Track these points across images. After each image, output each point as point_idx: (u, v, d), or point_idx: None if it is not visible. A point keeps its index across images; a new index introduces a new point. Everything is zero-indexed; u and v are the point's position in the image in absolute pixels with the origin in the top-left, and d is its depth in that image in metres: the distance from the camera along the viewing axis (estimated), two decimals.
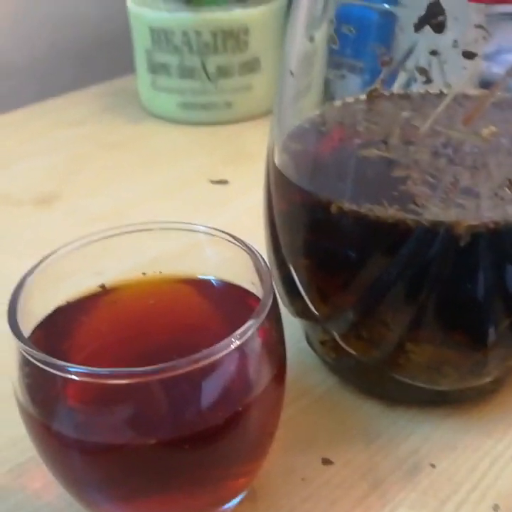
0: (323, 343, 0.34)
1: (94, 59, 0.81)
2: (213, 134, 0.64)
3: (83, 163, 0.60)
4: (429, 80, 0.30)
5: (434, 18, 0.25)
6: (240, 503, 0.29)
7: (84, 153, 0.61)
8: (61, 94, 0.73)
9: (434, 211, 0.27)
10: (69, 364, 0.23)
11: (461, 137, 0.28)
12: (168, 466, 0.24)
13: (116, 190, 0.55)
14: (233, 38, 0.61)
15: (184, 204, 0.53)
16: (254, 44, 0.62)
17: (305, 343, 0.36)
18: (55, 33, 0.78)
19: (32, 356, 0.23)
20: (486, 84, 0.29)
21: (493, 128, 0.27)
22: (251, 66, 0.63)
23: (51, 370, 0.23)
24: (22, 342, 0.24)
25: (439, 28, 0.26)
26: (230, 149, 0.61)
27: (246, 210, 0.50)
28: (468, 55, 0.27)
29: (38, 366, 0.23)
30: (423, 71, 0.30)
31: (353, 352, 0.32)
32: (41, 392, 0.25)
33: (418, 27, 0.26)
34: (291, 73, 0.30)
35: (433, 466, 0.31)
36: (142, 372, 0.22)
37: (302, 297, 0.32)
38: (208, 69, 0.62)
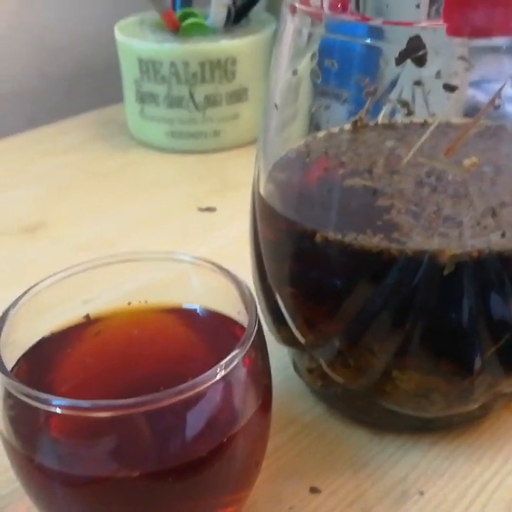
0: (310, 370, 0.34)
1: (82, 88, 0.81)
2: (201, 162, 0.64)
3: (70, 192, 0.60)
4: (410, 112, 0.30)
5: (414, 53, 0.26)
6: None
7: (72, 182, 0.61)
8: (49, 123, 0.73)
9: (417, 240, 0.27)
10: (52, 397, 0.22)
11: (443, 168, 0.28)
12: (153, 499, 0.24)
13: (103, 219, 0.55)
14: (221, 68, 0.62)
15: (172, 232, 0.53)
16: (241, 74, 0.63)
17: (292, 370, 0.36)
18: (43, 62, 0.78)
19: (15, 389, 0.23)
20: (471, 112, 0.30)
21: (474, 159, 0.27)
22: (238, 95, 0.64)
23: (34, 403, 0.23)
24: (5, 375, 0.24)
25: (420, 62, 0.26)
26: (217, 177, 0.61)
27: (234, 238, 0.51)
28: (450, 88, 0.27)
29: (21, 399, 0.23)
30: (405, 104, 0.30)
31: (340, 380, 0.32)
32: (24, 425, 0.24)
33: (399, 61, 0.26)
34: (276, 106, 0.30)
35: (421, 493, 0.31)
36: (125, 404, 0.22)
37: (288, 325, 0.32)
38: (195, 98, 0.62)
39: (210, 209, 0.55)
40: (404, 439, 0.33)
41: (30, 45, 0.76)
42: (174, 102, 0.63)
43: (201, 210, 0.55)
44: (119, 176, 0.62)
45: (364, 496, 0.30)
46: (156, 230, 0.53)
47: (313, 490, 0.31)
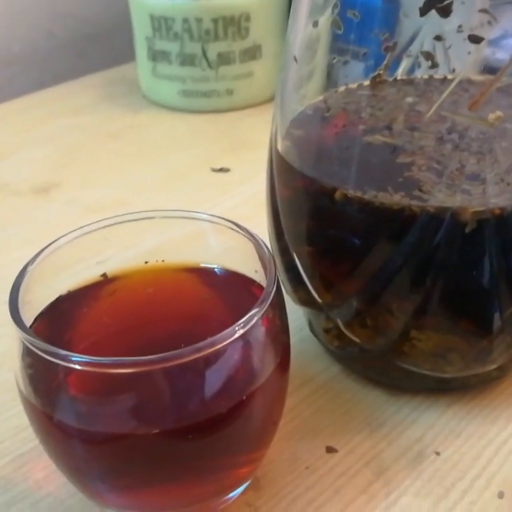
0: (326, 331, 0.34)
1: (93, 47, 0.80)
2: (214, 121, 0.63)
3: (82, 153, 0.59)
4: (434, 65, 0.30)
5: (440, 2, 0.25)
6: (244, 491, 0.29)
7: (83, 142, 0.61)
8: (60, 83, 0.72)
9: (439, 197, 0.26)
10: (71, 353, 0.22)
11: (467, 122, 0.27)
12: (172, 456, 0.24)
13: (116, 180, 0.55)
14: (234, 24, 0.61)
15: (186, 192, 0.53)
16: (255, 31, 0.62)
17: (308, 331, 0.36)
18: (53, 21, 0.77)
19: (34, 345, 0.23)
20: (490, 69, 0.29)
21: (499, 113, 0.26)
22: (252, 53, 0.63)
23: (53, 360, 0.23)
24: (24, 331, 0.23)
25: (445, 12, 0.25)
26: (231, 137, 0.61)
27: (248, 198, 0.50)
28: (475, 39, 0.26)
29: (40, 356, 0.23)
30: (429, 55, 0.29)
31: (357, 340, 0.32)
32: (43, 382, 0.24)
33: (424, 11, 0.25)
34: (295, 59, 0.30)
35: (438, 453, 0.31)
36: (145, 361, 0.22)
37: (305, 285, 0.31)
38: (208, 56, 0.62)
39: (224, 169, 0.55)
40: (421, 399, 0.33)
41: (38, 5, 0.75)
42: (187, 60, 0.62)
43: (215, 170, 0.55)
44: (131, 136, 0.62)
45: (380, 456, 0.31)
46: (169, 190, 0.53)
47: (330, 449, 0.31)
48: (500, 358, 0.31)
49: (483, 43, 0.27)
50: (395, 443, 0.31)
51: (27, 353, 0.24)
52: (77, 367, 0.22)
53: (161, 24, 0.61)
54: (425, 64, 0.30)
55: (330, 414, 0.33)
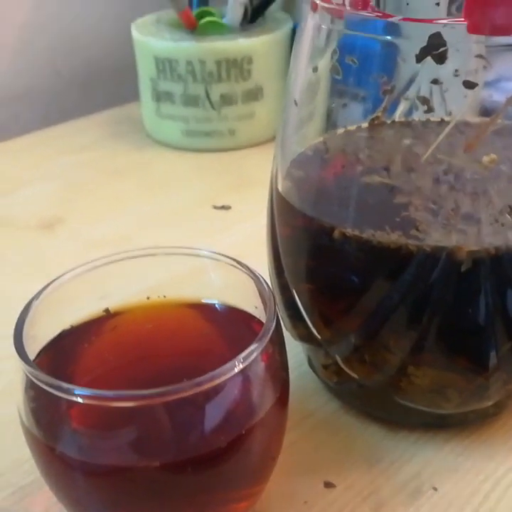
0: (325, 367, 0.34)
1: (98, 86, 0.82)
2: (216, 160, 0.64)
3: (87, 189, 0.60)
4: (430, 109, 0.31)
5: (435, 50, 0.26)
6: None
7: (88, 179, 0.62)
8: (65, 121, 0.73)
9: (435, 237, 0.27)
10: (74, 386, 0.23)
11: (462, 165, 0.28)
12: (171, 489, 0.25)
13: (119, 216, 0.55)
14: (237, 66, 0.62)
15: (187, 229, 0.53)
16: (257, 73, 0.63)
17: (307, 367, 0.37)
18: (59, 60, 0.78)
19: (37, 379, 0.23)
20: (486, 111, 0.30)
21: (493, 156, 0.27)
22: (254, 94, 0.64)
23: (56, 393, 0.23)
24: (28, 364, 0.24)
25: (441, 59, 0.26)
26: (233, 175, 0.61)
27: (248, 236, 0.51)
28: (469, 85, 0.27)
29: (44, 389, 0.23)
30: (425, 100, 0.30)
31: (355, 376, 0.32)
32: (46, 415, 0.25)
33: (420, 58, 0.26)
34: (295, 102, 0.31)
35: (435, 489, 0.31)
36: (146, 395, 0.22)
37: (305, 321, 0.32)
38: (211, 97, 0.63)
39: (225, 207, 0.56)
40: (418, 435, 0.33)
41: (45, 44, 0.77)
42: (190, 101, 0.63)
43: (216, 208, 0.56)
44: (135, 173, 0.63)
45: (378, 492, 0.31)
46: (171, 227, 0.54)
47: (328, 484, 0.31)
48: (497, 395, 0.31)
49: (477, 88, 0.28)
50: (392, 478, 0.31)
51: (30, 386, 0.24)
52: (80, 400, 0.23)
53: (165, 66, 0.63)
54: (422, 108, 0.31)
55: (328, 449, 0.33)
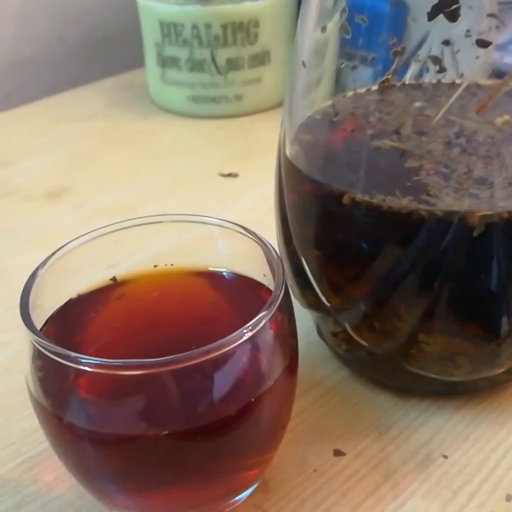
0: (334, 334, 0.34)
1: (103, 53, 0.81)
2: (223, 127, 0.64)
3: (92, 157, 0.60)
4: (442, 69, 0.30)
5: (447, 7, 0.25)
6: (252, 494, 0.29)
7: (93, 148, 0.61)
8: (70, 89, 0.73)
9: (447, 201, 0.26)
10: (81, 355, 0.23)
11: (474, 126, 0.27)
12: (180, 458, 0.24)
13: (125, 185, 0.55)
14: (243, 30, 0.61)
15: (194, 198, 0.53)
16: (264, 36, 0.62)
17: (316, 335, 0.36)
18: (63, 28, 0.78)
19: (45, 348, 0.23)
20: (498, 74, 0.29)
21: (507, 117, 0.26)
22: (261, 58, 0.63)
23: (64, 362, 0.23)
24: (34, 334, 0.24)
25: (453, 16, 0.25)
26: (239, 143, 0.61)
27: (256, 203, 0.50)
28: (483, 44, 0.26)
29: (51, 358, 0.23)
30: (437, 60, 0.30)
31: (365, 343, 0.32)
32: (54, 384, 0.25)
33: (432, 16, 0.26)
34: (303, 64, 0.30)
35: (445, 457, 0.31)
36: (154, 363, 0.22)
37: (313, 289, 0.32)
38: (217, 62, 0.62)
39: (232, 175, 0.55)
40: (429, 403, 0.33)
41: (48, 10, 0.76)
42: (196, 66, 0.62)
43: (223, 175, 0.55)
44: (140, 141, 0.62)
45: (388, 459, 0.31)
46: (178, 196, 0.53)
47: (337, 452, 0.31)
48: (508, 362, 0.31)
49: (490, 48, 0.27)
50: (402, 446, 0.31)
51: (38, 355, 0.24)
52: (88, 369, 0.23)
53: (170, 30, 0.62)
54: (433, 68, 0.30)
55: (338, 417, 0.33)
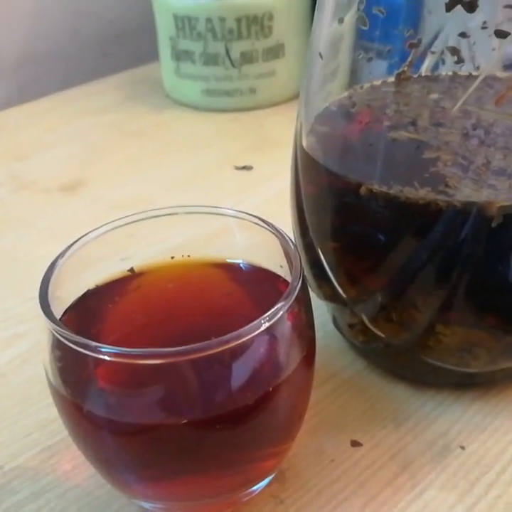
0: (351, 326, 0.34)
1: (117, 47, 0.81)
2: (237, 120, 0.64)
3: (107, 151, 0.60)
4: (460, 60, 0.30)
5: None
6: (269, 484, 0.29)
7: (109, 141, 0.62)
8: (84, 83, 0.73)
9: (465, 192, 0.26)
10: (101, 344, 0.23)
11: (493, 117, 0.27)
12: (198, 447, 0.25)
13: (141, 178, 0.55)
14: (257, 23, 0.61)
15: (209, 191, 0.53)
16: (278, 29, 0.62)
17: (332, 327, 0.36)
18: (78, 21, 0.78)
19: (64, 337, 0.23)
20: None
21: None
22: (275, 52, 0.63)
23: (83, 351, 0.23)
24: (54, 323, 0.24)
25: (471, 7, 0.25)
26: (254, 135, 0.61)
27: (271, 196, 0.50)
28: (501, 34, 0.26)
29: (70, 347, 0.23)
30: (454, 50, 0.29)
31: (381, 335, 0.32)
32: (73, 374, 0.25)
33: (450, 6, 0.25)
34: (320, 55, 0.30)
35: (462, 448, 0.31)
36: (173, 352, 0.22)
37: (330, 280, 0.32)
38: (231, 55, 0.62)
39: (247, 167, 0.55)
40: (446, 394, 0.33)
41: (63, 4, 0.76)
42: (210, 59, 0.62)
43: (238, 168, 0.55)
44: (155, 135, 0.62)
45: (405, 450, 0.31)
46: (193, 188, 0.53)
47: (355, 443, 0.31)
48: None
49: (508, 38, 0.27)
50: (420, 437, 0.31)
51: (57, 345, 0.24)
52: (107, 358, 0.23)
53: (184, 24, 0.62)
54: (450, 60, 0.30)
55: (355, 408, 0.33)
